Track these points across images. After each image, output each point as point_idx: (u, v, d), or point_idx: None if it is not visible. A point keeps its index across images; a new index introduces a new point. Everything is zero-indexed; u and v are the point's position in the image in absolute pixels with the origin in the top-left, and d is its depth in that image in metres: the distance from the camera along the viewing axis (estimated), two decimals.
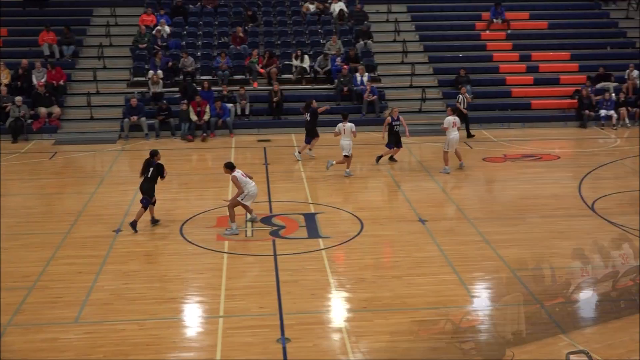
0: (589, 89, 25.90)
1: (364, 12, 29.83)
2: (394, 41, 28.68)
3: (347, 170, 19.68)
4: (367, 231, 15.67)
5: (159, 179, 15.81)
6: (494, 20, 29.44)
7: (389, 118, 20.51)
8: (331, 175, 19.76)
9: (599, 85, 26.45)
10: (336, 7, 30.08)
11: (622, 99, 25.84)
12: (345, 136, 19.68)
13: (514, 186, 19.16)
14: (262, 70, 26.69)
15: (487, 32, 29.36)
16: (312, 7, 30.25)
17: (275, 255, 14.32)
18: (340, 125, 19.78)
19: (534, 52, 28.42)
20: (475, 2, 31.03)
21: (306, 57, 27.01)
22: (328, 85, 26.59)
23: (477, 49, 28.80)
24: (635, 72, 26.76)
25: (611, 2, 31.98)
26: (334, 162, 19.91)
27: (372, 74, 26.76)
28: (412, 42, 28.71)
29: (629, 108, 25.54)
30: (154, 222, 15.90)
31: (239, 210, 15.55)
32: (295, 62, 26.92)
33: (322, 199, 17.67)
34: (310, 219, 16.41)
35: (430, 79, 27.21)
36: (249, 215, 15.94)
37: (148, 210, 15.74)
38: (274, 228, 15.80)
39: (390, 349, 10.86)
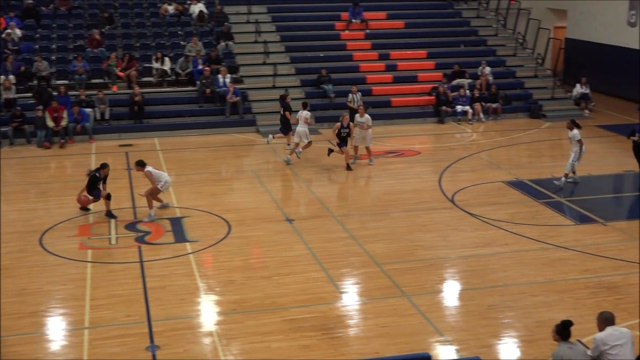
0: (445, 86, 26.78)
1: (224, 13, 29.65)
2: (255, 42, 28.67)
3: (299, 150, 20.95)
4: (234, 233, 15.59)
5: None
6: (353, 20, 29.94)
7: (339, 124, 20.25)
8: (196, 178, 19.54)
9: (454, 82, 27.39)
10: (196, 9, 29.76)
11: (477, 94, 26.87)
12: (300, 123, 20.85)
13: (378, 182, 19.57)
14: (121, 74, 26.03)
15: (347, 32, 29.82)
16: (170, 9, 29.78)
17: (141, 261, 14.01)
18: (299, 113, 21.18)
19: (392, 51, 29.10)
20: (334, 2, 31.46)
21: (167, 59, 26.57)
22: (190, 88, 26.26)
23: (337, 49, 29.21)
24: (488, 69, 27.89)
25: (462, 2, 33.20)
26: (300, 150, 21.07)
27: (235, 75, 26.64)
28: (274, 42, 28.79)
29: (483, 103, 26.57)
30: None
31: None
32: (155, 65, 26.43)
33: (188, 202, 17.44)
34: (176, 223, 16.16)
35: (293, 79, 27.37)
36: (158, 204, 16.72)
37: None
38: (140, 234, 15.45)
39: (262, 349, 10.84)
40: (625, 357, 8.90)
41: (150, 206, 16.27)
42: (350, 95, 24.63)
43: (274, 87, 26.70)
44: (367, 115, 20.72)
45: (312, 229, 15.83)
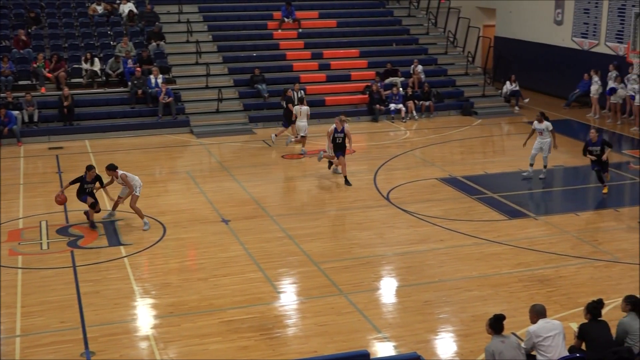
0: (379, 84, 26.97)
1: (155, 13, 29.27)
2: (187, 42, 28.39)
3: (303, 149, 21.60)
4: (170, 235, 15.42)
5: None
6: (286, 20, 29.91)
7: (332, 128, 18.69)
8: None
9: (387, 81, 27.60)
10: (125, 8, 29.33)
11: (409, 93, 27.14)
12: (301, 118, 21.53)
13: (313, 181, 19.59)
14: (49, 75, 25.47)
15: (279, 31, 29.77)
16: (99, 9, 29.27)
17: (74, 266, 13.74)
18: (297, 107, 21.82)
19: (325, 50, 29.18)
20: (267, 1, 31.38)
21: (96, 59, 26.10)
22: (122, 89, 25.86)
23: (270, 48, 29.14)
24: (420, 67, 28.19)
25: (394, 1, 33.49)
26: (293, 139, 21.99)
27: (167, 76, 26.34)
28: (206, 42, 28.56)
29: (416, 101, 26.85)
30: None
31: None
32: (85, 66, 25.93)
33: (121, 205, 17.15)
34: (109, 226, 15.90)
35: (226, 79, 27.20)
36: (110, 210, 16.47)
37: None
38: (72, 238, 15.16)
39: (199, 352, 10.75)
40: (557, 348, 9.11)
41: (141, 215, 15.76)
42: (292, 92, 24.48)
43: (207, 87, 26.50)
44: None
45: (249, 229, 15.76)
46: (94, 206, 15.77)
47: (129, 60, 26.16)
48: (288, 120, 22.76)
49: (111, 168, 15.86)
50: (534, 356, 9.18)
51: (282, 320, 11.84)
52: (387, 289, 13.14)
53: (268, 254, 14.42)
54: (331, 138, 18.69)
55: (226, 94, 26.23)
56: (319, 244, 14.85)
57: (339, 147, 18.68)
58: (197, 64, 27.43)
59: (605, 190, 17.69)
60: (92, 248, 14.69)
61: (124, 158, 21.26)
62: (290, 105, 22.67)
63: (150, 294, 12.68)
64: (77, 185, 15.81)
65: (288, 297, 12.76)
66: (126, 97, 25.53)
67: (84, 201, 15.84)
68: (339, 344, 10.92)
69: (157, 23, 28.48)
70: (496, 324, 8.98)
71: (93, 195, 15.86)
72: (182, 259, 14.36)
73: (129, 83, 25.52)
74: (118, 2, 29.81)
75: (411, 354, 9.67)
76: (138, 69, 25.56)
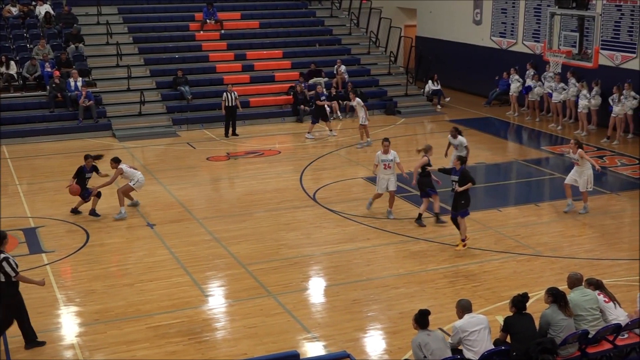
0: (303, 85, 27.03)
1: (73, 14, 28.65)
2: (107, 44, 27.90)
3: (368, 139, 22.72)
4: (93, 241, 15.13)
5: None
6: (208, 21, 29.68)
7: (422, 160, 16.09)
8: (51, 186, 18.82)
9: (311, 81, 27.68)
10: (42, 10, 28.63)
11: (334, 93, 27.25)
12: (359, 109, 22.75)
13: (239, 183, 19.51)
14: None
15: (202, 32, 29.53)
16: (14, 10, 28.49)
17: None
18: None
19: (249, 51, 29.08)
20: (188, 3, 31.10)
21: (12, 63, 25.40)
22: (40, 92, 25.23)
23: (193, 50, 28.88)
24: (343, 67, 28.36)
25: (316, 1, 33.62)
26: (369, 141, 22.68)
27: (87, 79, 25.82)
28: (126, 44, 28.11)
29: (340, 101, 26.98)
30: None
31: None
32: (0, 69, 25.20)
33: (42, 212, 16.77)
34: (30, 233, 15.50)
35: (148, 81, 26.84)
36: (129, 202, 16.94)
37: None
38: None
39: (126, 358, 10.57)
40: (483, 343, 9.29)
41: (121, 203, 16.43)
42: (224, 94, 24.27)
43: (128, 90, 26.10)
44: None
45: (175, 233, 15.59)
46: (99, 195, 16.57)
47: (47, 63, 25.54)
48: (316, 116, 24.16)
49: (115, 161, 16.55)
50: (461, 351, 9.34)
51: (211, 323, 11.75)
52: (316, 289, 13.17)
53: (195, 257, 14.29)
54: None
55: (148, 97, 25.88)
56: (246, 246, 14.79)
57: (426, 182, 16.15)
58: (117, 66, 26.98)
59: (458, 248, 14.59)
60: (13, 256, 14.26)
61: (45, 163, 20.78)
62: (318, 102, 24.41)
63: (75, 302, 12.43)
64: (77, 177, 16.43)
65: (216, 300, 12.66)
66: (45, 100, 24.92)
67: (87, 196, 16.50)
68: (269, 345, 10.90)
69: (75, 25, 27.89)
70: (421, 319, 9.15)
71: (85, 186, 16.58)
72: (107, 265, 14.10)
73: (48, 86, 24.92)
74: (34, 3, 29.09)
75: (341, 352, 9.72)
76: (56, 72, 24.99)
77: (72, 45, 26.90)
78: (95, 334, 11.31)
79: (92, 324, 11.61)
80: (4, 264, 10.40)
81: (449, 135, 18.23)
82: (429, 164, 15.92)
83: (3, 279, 10.42)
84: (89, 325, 11.58)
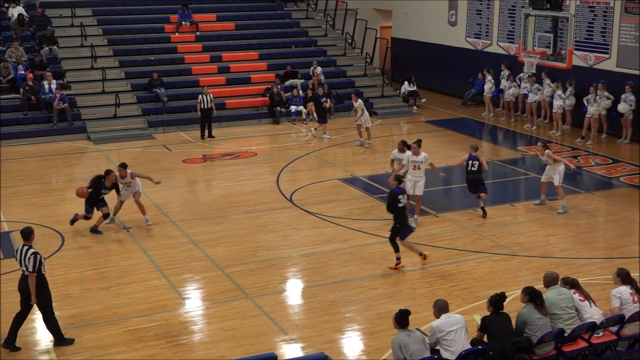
0: (279, 87, 27.00)
1: (47, 16, 28.42)
2: (82, 46, 27.70)
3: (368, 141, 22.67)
4: (69, 245, 15.02)
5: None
6: (183, 23, 29.57)
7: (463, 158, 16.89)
8: (25, 190, 18.67)
9: (287, 83, 27.67)
10: (14, 12, 28.37)
11: (310, 94, 27.24)
12: (360, 111, 22.29)
13: (216, 185, 19.45)
14: None
15: (177, 34, 29.42)
16: None
17: None
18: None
19: (224, 53, 29.00)
20: (163, 4, 30.97)
21: None
22: (13, 95, 24.99)
23: (168, 52, 28.75)
24: (319, 69, 28.38)
25: (292, 3, 33.61)
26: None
27: (61, 81, 25.62)
28: (101, 46, 27.93)
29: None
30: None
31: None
32: None
33: (17, 216, 16.61)
34: (5, 238, 15.36)
35: (123, 84, 26.69)
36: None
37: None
38: None
39: None
40: (460, 342, 9.33)
41: (144, 211, 16.08)
42: (200, 96, 24.16)
43: (103, 92, 25.94)
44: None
45: (151, 235, 15.52)
46: (107, 217, 15.80)
47: (20, 66, 25.31)
48: (323, 115, 24.15)
49: (124, 166, 15.88)
50: (438, 351, 9.38)
51: (188, 326, 11.70)
52: (293, 291, 13.16)
53: (172, 260, 14.23)
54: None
55: (124, 99, 25.74)
56: (223, 248, 14.75)
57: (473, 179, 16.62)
58: (92, 68, 26.80)
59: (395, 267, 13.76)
60: None
61: (19, 167, 20.60)
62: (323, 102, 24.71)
63: None
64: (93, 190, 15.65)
65: (193, 303, 12.62)
66: (18, 103, 24.69)
67: (98, 208, 15.67)
68: (246, 347, 10.87)
69: (49, 27, 27.68)
70: (402, 319, 9.18)
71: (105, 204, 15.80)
72: (83, 269, 14.00)
73: (21, 89, 24.69)
74: (7, 5, 28.82)
75: (318, 354, 9.72)
76: (30, 74, 24.77)
77: (46, 48, 26.68)
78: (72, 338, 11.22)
79: (68, 328, 11.51)
80: (32, 257, 10.75)
81: (395, 150, 17.21)
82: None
83: (31, 271, 10.72)
84: (65, 330, 11.45)
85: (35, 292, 10.77)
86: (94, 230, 15.65)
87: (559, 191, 16.54)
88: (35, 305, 10.93)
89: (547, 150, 16.30)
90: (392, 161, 17.40)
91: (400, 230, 13.64)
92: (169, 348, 10.95)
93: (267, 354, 9.38)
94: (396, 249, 13.69)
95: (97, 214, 15.74)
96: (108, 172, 15.72)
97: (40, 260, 10.79)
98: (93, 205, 15.67)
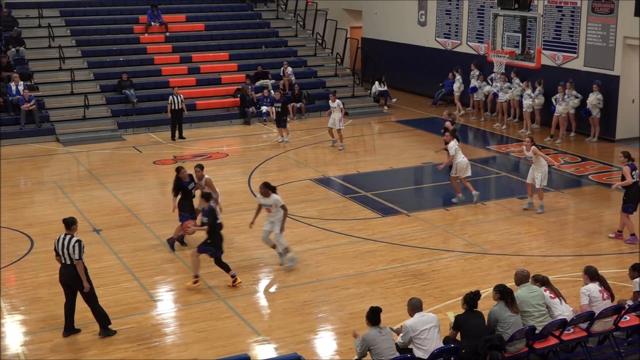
0: (250, 87, 26.93)
1: (13, 17, 28.09)
2: (49, 47, 27.42)
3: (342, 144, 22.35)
4: (38, 248, 14.84)
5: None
6: (152, 23, 29.38)
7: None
8: None
9: (258, 83, 27.60)
10: None
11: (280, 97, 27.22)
12: (337, 111, 22.04)
13: None
14: None
15: (146, 35, 29.22)
16: None
17: None
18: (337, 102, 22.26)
19: (194, 53, 28.85)
20: (131, 5, 30.75)
21: None
22: None
23: (137, 53, 28.54)
24: (290, 69, 28.35)
25: (262, 3, 33.54)
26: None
27: (29, 83, 25.33)
28: (69, 47, 27.66)
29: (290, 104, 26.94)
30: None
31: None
32: None
33: None
34: None
35: (92, 85, 26.46)
36: None
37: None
38: None
39: None
40: (433, 341, 9.37)
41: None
42: (170, 97, 23.96)
43: (72, 94, 25.69)
44: None
45: (122, 238, 15.39)
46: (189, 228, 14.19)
47: None
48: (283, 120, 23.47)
49: (201, 167, 15.19)
50: (411, 350, 9.41)
51: (160, 328, 11.63)
52: (266, 292, 13.13)
53: (143, 262, 14.12)
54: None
55: (93, 100, 25.51)
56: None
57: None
58: (60, 69, 26.54)
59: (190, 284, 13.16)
60: None
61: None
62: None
63: (19, 310, 12.18)
64: (180, 194, 14.85)
65: (165, 305, 12.54)
66: None
67: (186, 219, 14.44)
68: (219, 349, 10.83)
69: (15, 28, 27.35)
70: (373, 316, 9.25)
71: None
72: (53, 272, 13.74)
73: None
74: None
75: (292, 355, 9.71)
76: None
77: (13, 49, 26.37)
78: (42, 343, 11.11)
79: (38, 332, 11.39)
80: (76, 245, 11.07)
81: (258, 194, 14.08)
82: None
83: (77, 258, 11.02)
84: (35, 334, 11.35)
85: (86, 277, 11.07)
86: (180, 240, 14.88)
87: (540, 193, 16.66)
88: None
89: (533, 147, 16.42)
90: (259, 208, 14.15)
91: (211, 247, 12.93)
92: (141, 351, 10.87)
93: (241, 355, 9.35)
94: (226, 269, 13.01)
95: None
96: (179, 169, 15.04)
97: (83, 247, 11.09)
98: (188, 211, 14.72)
